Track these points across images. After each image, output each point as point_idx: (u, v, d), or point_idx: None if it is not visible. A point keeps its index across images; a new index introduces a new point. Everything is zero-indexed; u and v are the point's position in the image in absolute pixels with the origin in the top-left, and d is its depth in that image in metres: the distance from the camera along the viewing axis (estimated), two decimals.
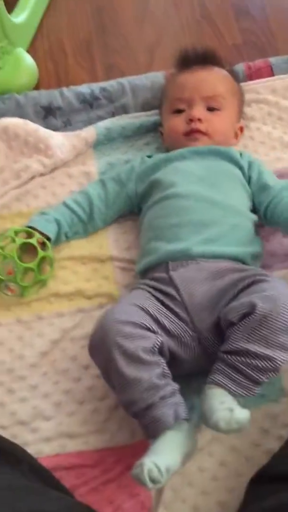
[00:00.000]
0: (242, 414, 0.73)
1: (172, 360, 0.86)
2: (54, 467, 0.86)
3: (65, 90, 1.25)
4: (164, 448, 0.76)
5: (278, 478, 0.72)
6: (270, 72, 1.24)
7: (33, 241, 1.00)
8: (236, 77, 1.17)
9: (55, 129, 1.21)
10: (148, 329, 0.82)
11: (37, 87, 1.34)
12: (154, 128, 1.19)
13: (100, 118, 1.22)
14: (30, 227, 1.03)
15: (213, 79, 1.07)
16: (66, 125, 1.22)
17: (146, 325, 0.82)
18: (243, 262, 0.94)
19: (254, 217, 1.00)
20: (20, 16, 1.37)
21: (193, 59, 1.11)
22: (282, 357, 0.78)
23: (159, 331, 0.84)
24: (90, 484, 0.86)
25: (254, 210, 1.02)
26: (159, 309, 0.87)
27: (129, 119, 1.20)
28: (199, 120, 1.04)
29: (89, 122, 1.22)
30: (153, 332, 0.83)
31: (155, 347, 0.81)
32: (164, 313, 0.87)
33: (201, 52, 1.12)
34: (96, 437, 0.90)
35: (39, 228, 1.02)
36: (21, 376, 0.96)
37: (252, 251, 0.96)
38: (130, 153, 1.18)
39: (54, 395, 0.94)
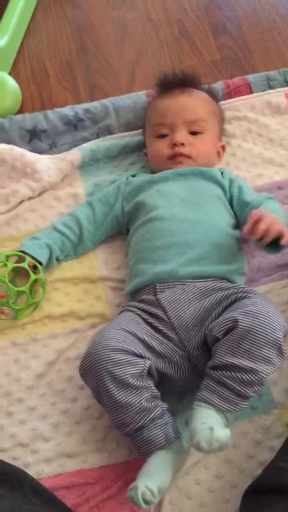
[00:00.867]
0: (222, 433, 0.75)
1: (164, 380, 0.89)
2: (55, 486, 0.89)
3: (49, 112, 1.26)
4: (156, 469, 0.81)
5: (270, 490, 0.75)
6: (248, 89, 1.27)
7: (24, 265, 1.02)
8: (215, 97, 1.20)
9: (40, 151, 1.22)
10: (136, 355, 0.85)
11: (21, 109, 1.35)
12: (139, 148, 1.21)
13: (85, 139, 1.24)
14: (22, 251, 1.04)
15: (193, 103, 1.09)
16: (52, 148, 1.24)
17: (134, 351, 0.85)
18: (228, 279, 0.97)
19: (237, 233, 1.02)
20: (1, 40, 1.37)
21: (173, 84, 1.13)
22: (266, 370, 0.81)
23: (148, 354, 0.87)
24: (91, 502, 0.89)
25: (238, 226, 1.05)
26: (147, 331, 0.90)
27: (113, 139, 1.22)
28: (182, 144, 1.06)
29: (74, 143, 1.23)
30: (142, 357, 0.86)
31: (144, 372, 0.85)
32: (153, 335, 0.90)
33: (180, 76, 1.14)
34: (95, 455, 0.93)
35: (31, 253, 1.04)
36: (19, 399, 0.98)
37: (236, 268, 0.99)
38: (116, 173, 1.20)
39: (52, 416, 0.96)
